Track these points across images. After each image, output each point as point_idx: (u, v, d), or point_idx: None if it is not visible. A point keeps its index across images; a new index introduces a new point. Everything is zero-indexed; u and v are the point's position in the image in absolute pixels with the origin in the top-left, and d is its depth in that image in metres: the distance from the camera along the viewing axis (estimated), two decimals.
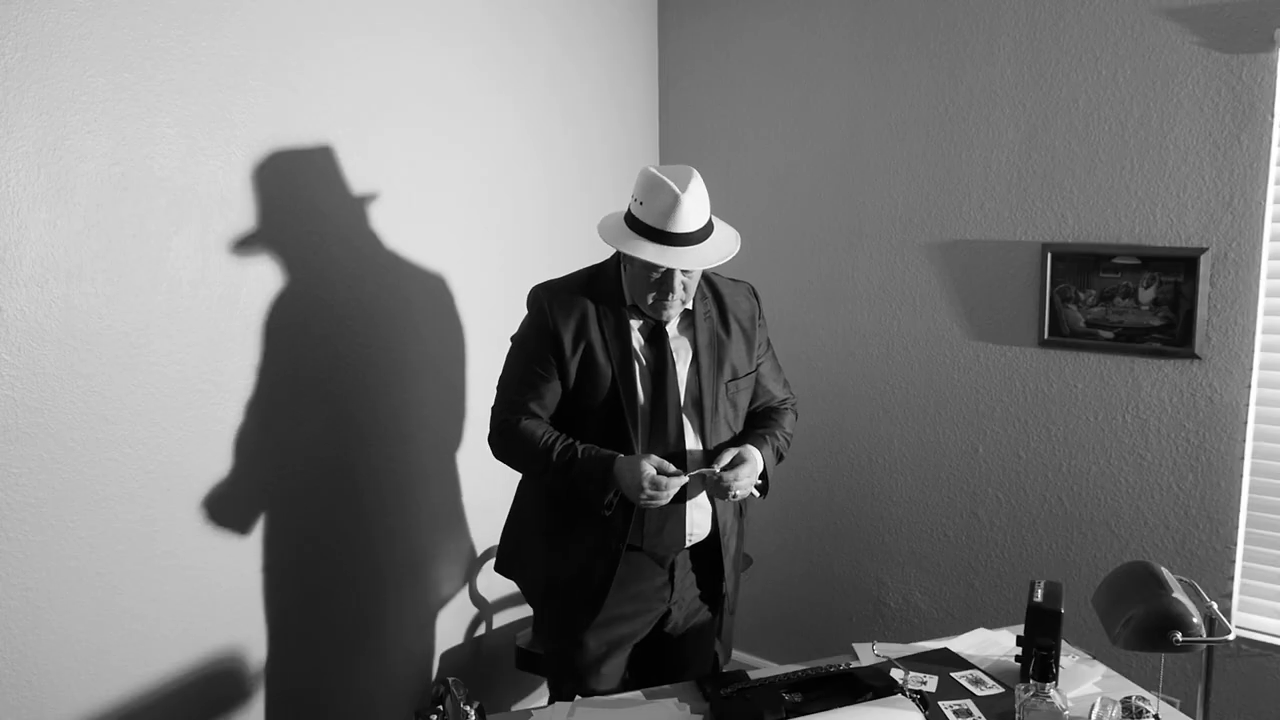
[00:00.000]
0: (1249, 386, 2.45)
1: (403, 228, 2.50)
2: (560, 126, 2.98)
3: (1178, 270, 2.49)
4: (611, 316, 1.92)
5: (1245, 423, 2.46)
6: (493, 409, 2.01)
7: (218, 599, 2.18)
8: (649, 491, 1.77)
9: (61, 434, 1.86)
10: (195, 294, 2.06)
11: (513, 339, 2.03)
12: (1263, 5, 2.32)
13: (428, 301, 2.60)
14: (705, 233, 1.82)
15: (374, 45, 2.38)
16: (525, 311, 2.00)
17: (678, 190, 1.77)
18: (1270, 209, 2.38)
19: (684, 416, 1.93)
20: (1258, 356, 2.44)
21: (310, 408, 2.33)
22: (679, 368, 1.93)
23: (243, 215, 2.14)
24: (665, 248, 1.78)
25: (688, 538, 1.96)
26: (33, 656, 1.86)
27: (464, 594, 2.83)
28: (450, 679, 1.52)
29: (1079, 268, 2.64)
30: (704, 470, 1.86)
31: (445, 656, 2.78)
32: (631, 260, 1.85)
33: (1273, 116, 2.34)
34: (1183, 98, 2.46)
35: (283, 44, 2.18)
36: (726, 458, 1.87)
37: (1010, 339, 2.80)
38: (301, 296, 2.28)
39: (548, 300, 1.94)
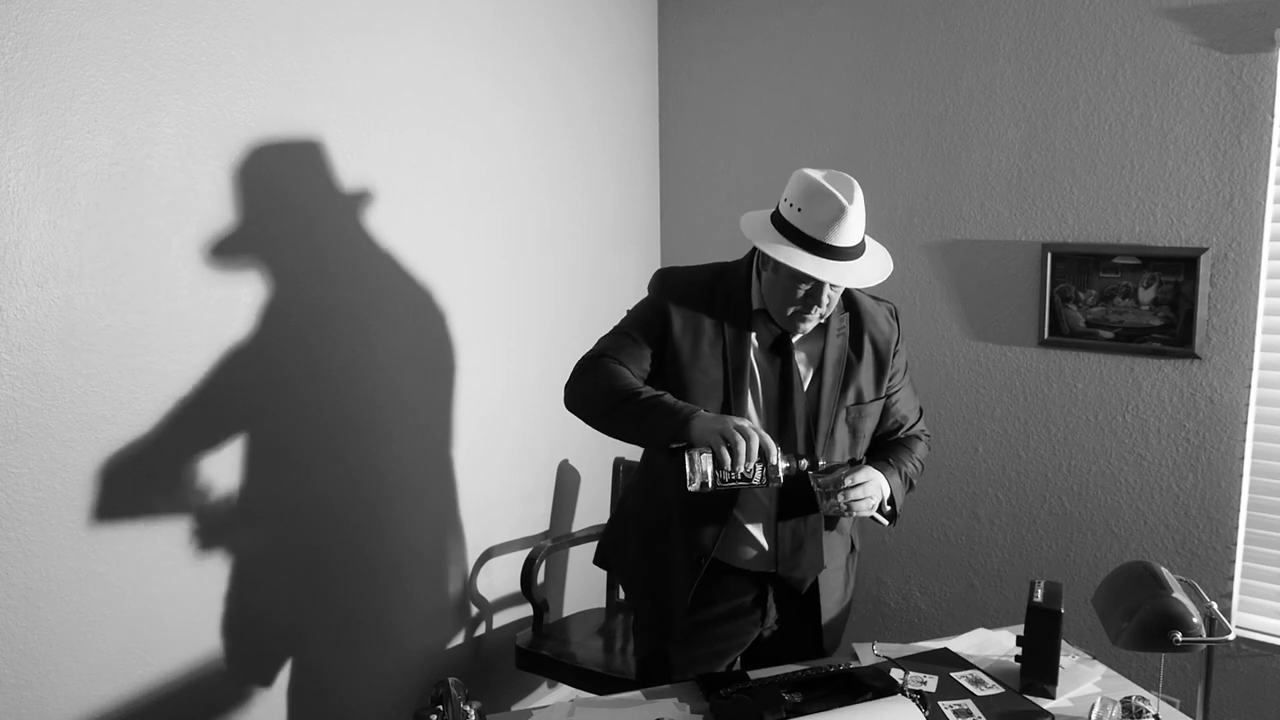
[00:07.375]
0: (1249, 386, 2.45)
1: (403, 227, 2.50)
2: (560, 126, 2.98)
3: (1178, 270, 2.49)
4: (733, 321, 1.81)
5: (1245, 423, 2.46)
6: (582, 357, 1.88)
7: (217, 599, 2.18)
8: (733, 436, 1.57)
9: (61, 434, 1.86)
10: (195, 294, 2.06)
11: (628, 311, 1.92)
12: (1263, 5, 2.32)
13: (428, 301, 2.60)
14: (862, 248, 1.72)
15: (374, 45, 2.38)
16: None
17: (845, 201, 1.65)
18: (1270, 209, 2.38)
19: (812, 436, 1.81)
20: (1258, 356, 2.44)
21: (310, 407, 2.33)
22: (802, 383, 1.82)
23: (243, 215, 2.14)
24: (824, 261, 1.65)
25: (827, 557, 1.87)
26: (33, 656, 1.86)
27: (464, 594, 2.83)
28: (450, 679, 1.52)
29: (1079, 268, 2.64)
30: (806, 462, 1.67)
31: (445, 656, 2.78)
32: (777, 267, 1.72)
33: (1273, 116, 2.34)
34: (1183, 98, 2.46)
35: (283, 44, 2.18)
36: (847, 472, 1.72)
37: (1010, 339, 2.80)
38: (302, 296, 2.28)
39: (668, 284, 1.85)
